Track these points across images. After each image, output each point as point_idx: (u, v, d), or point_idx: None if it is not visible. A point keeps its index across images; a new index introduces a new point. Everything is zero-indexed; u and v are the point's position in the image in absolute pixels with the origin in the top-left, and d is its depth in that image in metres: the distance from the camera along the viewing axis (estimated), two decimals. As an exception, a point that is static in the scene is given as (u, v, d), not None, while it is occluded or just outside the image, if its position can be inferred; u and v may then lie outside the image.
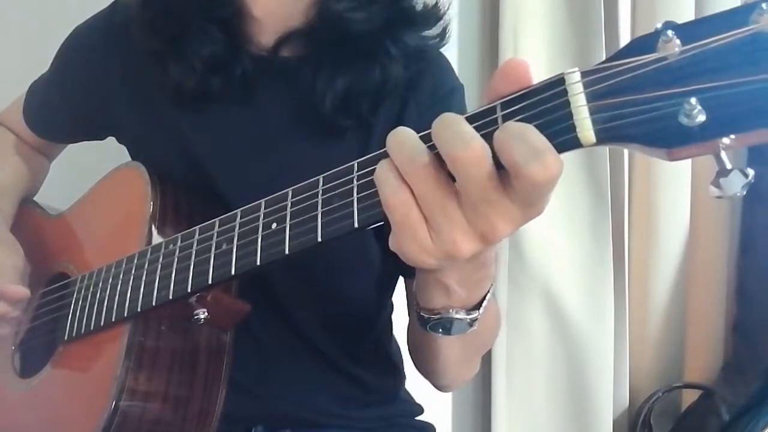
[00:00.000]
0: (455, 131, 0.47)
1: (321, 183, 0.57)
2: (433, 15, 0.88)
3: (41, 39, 1.06)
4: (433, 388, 0.92)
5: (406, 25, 0.85)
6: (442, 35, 0.89)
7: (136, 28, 0.87)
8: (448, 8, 0.89)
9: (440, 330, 0.64)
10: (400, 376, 1.02)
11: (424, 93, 0.87)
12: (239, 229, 0.63)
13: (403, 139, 0.50)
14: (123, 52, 0.91)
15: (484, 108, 0.48)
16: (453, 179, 0.48)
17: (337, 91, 0.82)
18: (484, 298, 0.64)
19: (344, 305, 0.91)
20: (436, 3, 0.88)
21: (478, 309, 0.63)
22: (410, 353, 0.92)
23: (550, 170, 0.43)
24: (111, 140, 1.00)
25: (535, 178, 0.43)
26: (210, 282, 0.65)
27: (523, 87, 0.47)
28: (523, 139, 0.44)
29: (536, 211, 0.48)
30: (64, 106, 1.00)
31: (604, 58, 0.44)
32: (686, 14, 1.38)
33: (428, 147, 0.49)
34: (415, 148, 0.49)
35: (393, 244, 0.51)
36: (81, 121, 1.00)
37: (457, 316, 0.63)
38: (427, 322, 0.65)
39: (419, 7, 0.87)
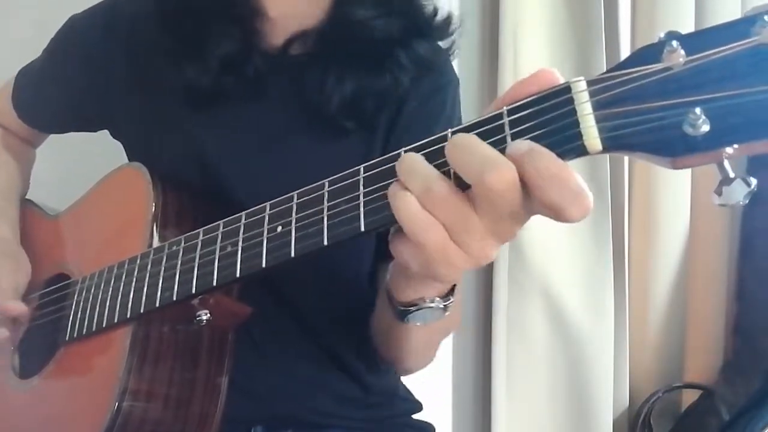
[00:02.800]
0: (479, 157, 0.47)
1: (327, 186, 0.57)
2: (446, 28, 0.89)
3: (37, 29, 1.04)
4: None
5: (419, 37, 0.86)
6: (450, 47, 0.91)
7: (149, 24, 0.87)
8: (460, 25, 0.90)
9: (418, 321, 0.66)
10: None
11: (423, 84, 0.89)
12: (244, 231, 0.64)
13: (412, 167, 0.50)
14: (125, 46, 0.90)
15: (491, 114, 0.49)
16: (462, 188, 0.49)
17: (345, 94, 0.83)
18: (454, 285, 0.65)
19: (346, 296, 0.92)
20: (449, 16, 0.90)
21: (452, 294, 0.65)
22: (374, 339, 0.93)
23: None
24: (112, 139, 1.00)
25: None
26: (215, 284, 0.65)
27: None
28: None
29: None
30: (59, 98, 0.99)
31: (604, 61, 0.45)
32: (686, 16, 1.38)
33: (434, 155, 0.49)
34: (427, 176, 0.49)
35: (423, 268, 0.52)
36: (76, 113, 1.00)
37: (433, 305, 0.64)
38: (405, 314, 0.66)
39: (431, 16, 0.88)
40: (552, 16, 1.44)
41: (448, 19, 0.89)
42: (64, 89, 0.98)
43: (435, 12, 0.89)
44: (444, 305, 0.65)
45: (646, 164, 1.44)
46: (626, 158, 1.49)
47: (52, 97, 1.00)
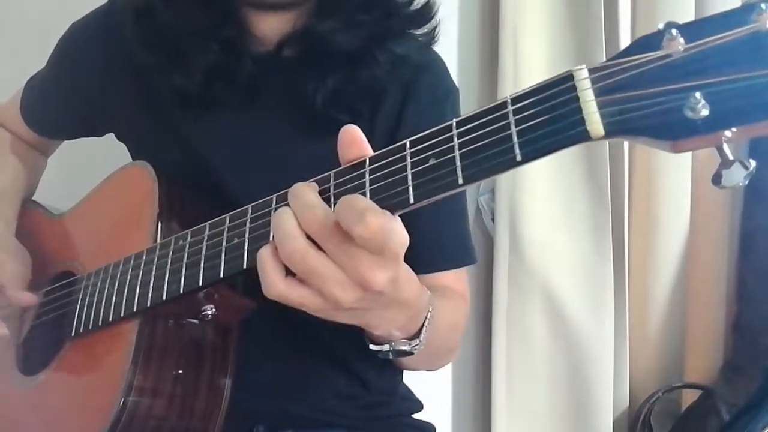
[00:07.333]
0: (304, 203, 0.54)
1: (332, 178, 0.58)
2: (422, 17, 0.90)
3: (39, 35, 1.06)
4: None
5: (392, 38, 0.87)
6: (431, 35, 0.91)
7: (130, 43, 0.88)
8: (436, 11, 0.91)
9: (390, 355, 0.68)
10: (399, 372, 1.03)
11: (422, 94, 0.90)
12: (251, 223, 0.64)
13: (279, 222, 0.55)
14: (124, 51, 0.91)
15: (495, 103, 0.50)
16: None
17: (327, 88, 0.85)
18: (422, 326, 0.66)
19: None
20: (426, 4, 0.90)
21: (419, 337, 0.66)
22: None
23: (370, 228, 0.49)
24: (114, 140, 1.01)
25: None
26: (222, 275, 0.65)
27: (363, 154, 0.56)
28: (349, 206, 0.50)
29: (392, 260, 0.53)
30: (62, 104, 1.00)
31: (604, 58, 0.46)
32: (686, 14, 1.39)
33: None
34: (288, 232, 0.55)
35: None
36: (79, 118, 1.01)
37: (401, 347, 0.66)
38: (377, 351, 0.68)
39: (406, 4, 0.89)
40: (552, 16, 1.44)
41: (423, 8, 0.90)
42: (68, 96, 0.99)
43: (410, 1, 0.89)
44: (412, 347, 0.67)
45: (646, 164, 1.46)
46: (626, 159, 1.49)
47: (56, 104, 1.02)
